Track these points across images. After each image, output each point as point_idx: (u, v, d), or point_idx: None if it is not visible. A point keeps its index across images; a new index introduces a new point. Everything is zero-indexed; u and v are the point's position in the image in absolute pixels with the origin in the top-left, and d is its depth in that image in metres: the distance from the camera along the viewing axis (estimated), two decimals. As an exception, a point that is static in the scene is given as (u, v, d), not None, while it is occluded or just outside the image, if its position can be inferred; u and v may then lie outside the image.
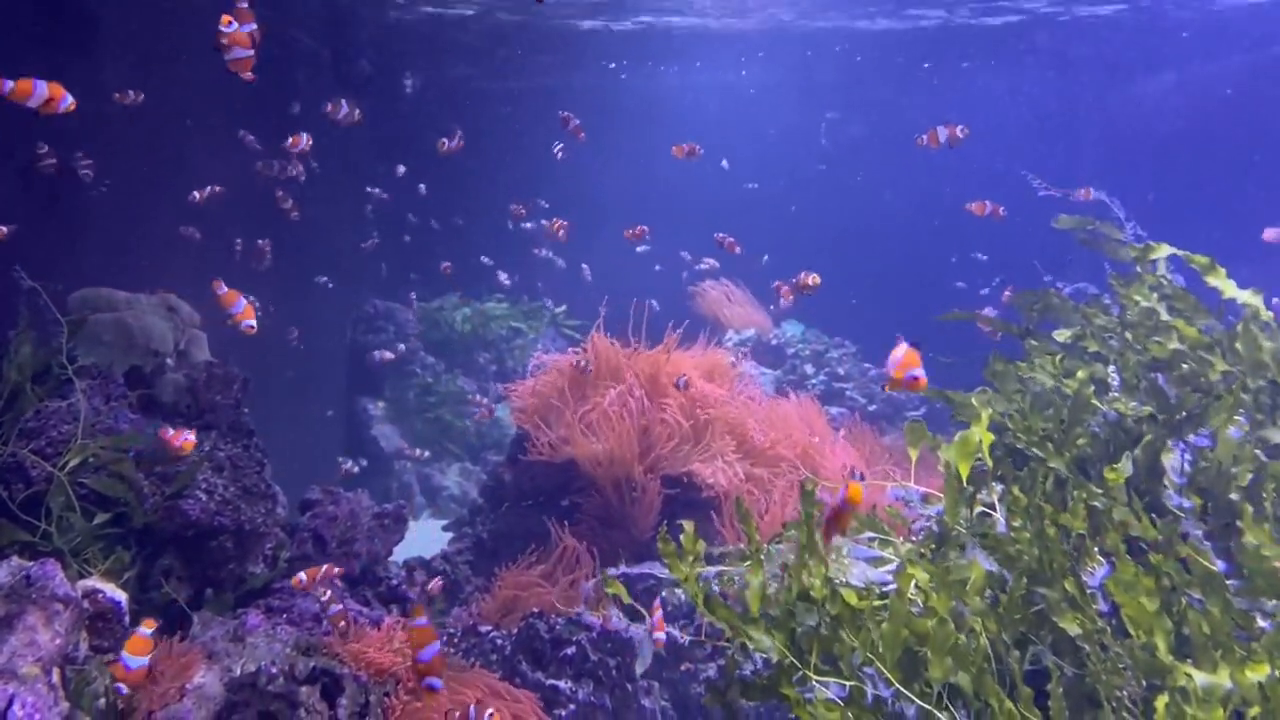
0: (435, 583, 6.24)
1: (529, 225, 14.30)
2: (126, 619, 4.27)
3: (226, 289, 5.02)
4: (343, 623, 4.63)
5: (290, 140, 7.77)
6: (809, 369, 13.00)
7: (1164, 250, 3.72)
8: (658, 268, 15.22)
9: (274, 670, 4.16)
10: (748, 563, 3.10)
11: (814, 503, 2.99)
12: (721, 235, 9.49)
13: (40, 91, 4.26)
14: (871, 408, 12.38)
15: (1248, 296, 3.50)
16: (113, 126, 7.53)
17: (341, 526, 5.58)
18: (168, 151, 9.26)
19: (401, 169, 12.67)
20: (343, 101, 7.81)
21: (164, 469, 5.01)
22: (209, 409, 5.28)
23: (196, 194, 5.65)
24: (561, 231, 10.50)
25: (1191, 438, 3.11)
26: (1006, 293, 5.19)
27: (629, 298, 7.82)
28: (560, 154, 9.93)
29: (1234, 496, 3.10)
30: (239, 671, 4.35)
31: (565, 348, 8.13)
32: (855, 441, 8.40)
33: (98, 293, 5.69)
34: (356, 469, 11.04)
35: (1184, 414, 3.10)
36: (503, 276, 14.08)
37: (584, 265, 14.52)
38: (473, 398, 12.93)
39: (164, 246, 7.88)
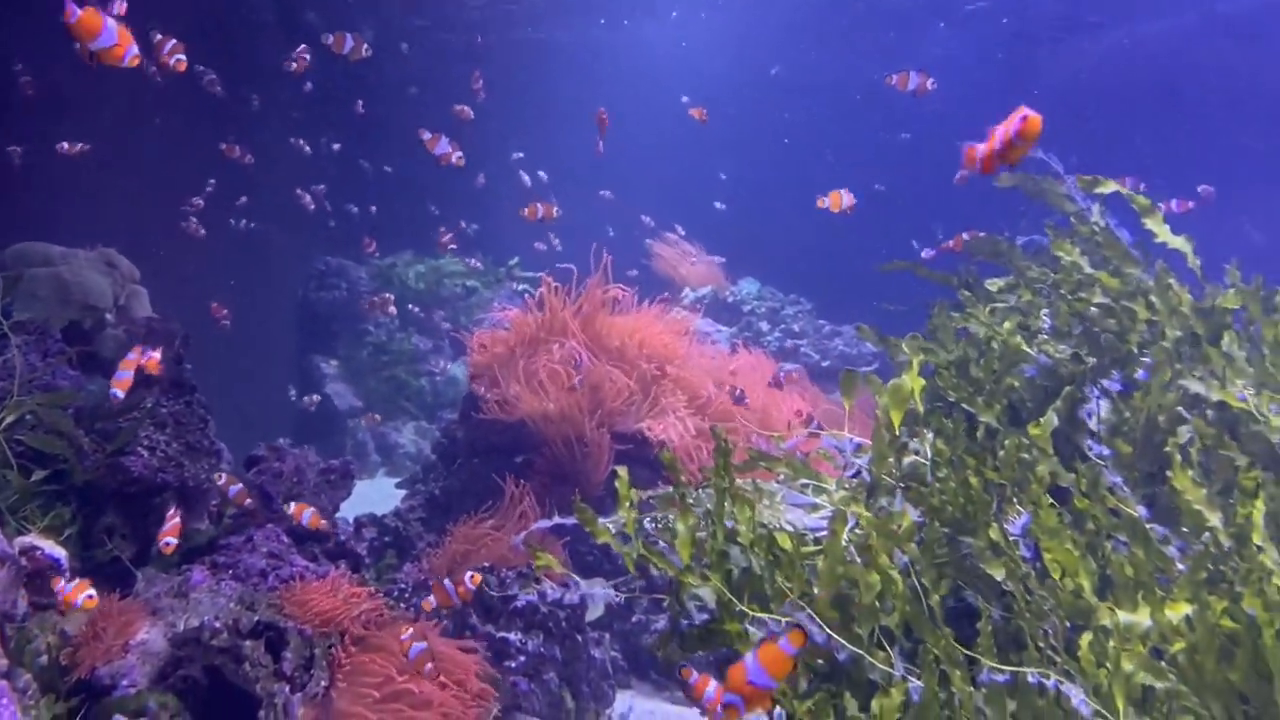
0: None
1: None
2: (67, 575, 4.23)
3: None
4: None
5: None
6: (764, 326, 13.09)
7: (1109, 186, 3.75)
8: (611, 232, 15.14)
9: (218, 625, 4.16)
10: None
11: (726, 450, 3.04)
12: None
13: (108, 36, 3.45)
14: (825, 363, 12.50)
15: (1180, 242, 3.57)
16: (52, 81, 7.34)
17: (287, 483, 5.55)
18: (109, 106, 9.04)
19: (360, 108, 12.39)
20: (347, 36, 7.60)
21: (105, 425, 4.95)
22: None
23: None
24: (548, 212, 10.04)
25: (1105, 383, 3.17)
26: (957, 240, 5.22)
27: (586, 255, 7.78)
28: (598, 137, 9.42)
29: (1160, 442, 3.17)
30: (183, 627, 4.34)
31: (520, 304, 8.08)
32: (804, 397, 8.50)
33: (32, 247, 5.56)
34: (315, 402, 11.00)
35: (1107, 362, 3.17)
36: (461, 229, 13.90)
37: (552, 236, 14.33)
38: (435, 365, 12.85)
39: (103, 201, 7.72)
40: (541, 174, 14.52)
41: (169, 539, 4.40)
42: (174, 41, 4.93)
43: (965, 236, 5.08)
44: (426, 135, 6.92)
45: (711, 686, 2.75)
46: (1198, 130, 20.25)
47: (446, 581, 4.69)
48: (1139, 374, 3.16)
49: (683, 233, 13.98)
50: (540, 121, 16.52)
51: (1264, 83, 19.57)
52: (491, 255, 14.61)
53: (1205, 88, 20.34)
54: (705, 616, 3.04)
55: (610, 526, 3.39)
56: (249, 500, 5.12)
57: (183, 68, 4.73)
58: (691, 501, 3.14)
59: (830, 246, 18.78)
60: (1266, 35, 18.96)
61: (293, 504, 5.05)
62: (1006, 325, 3.46)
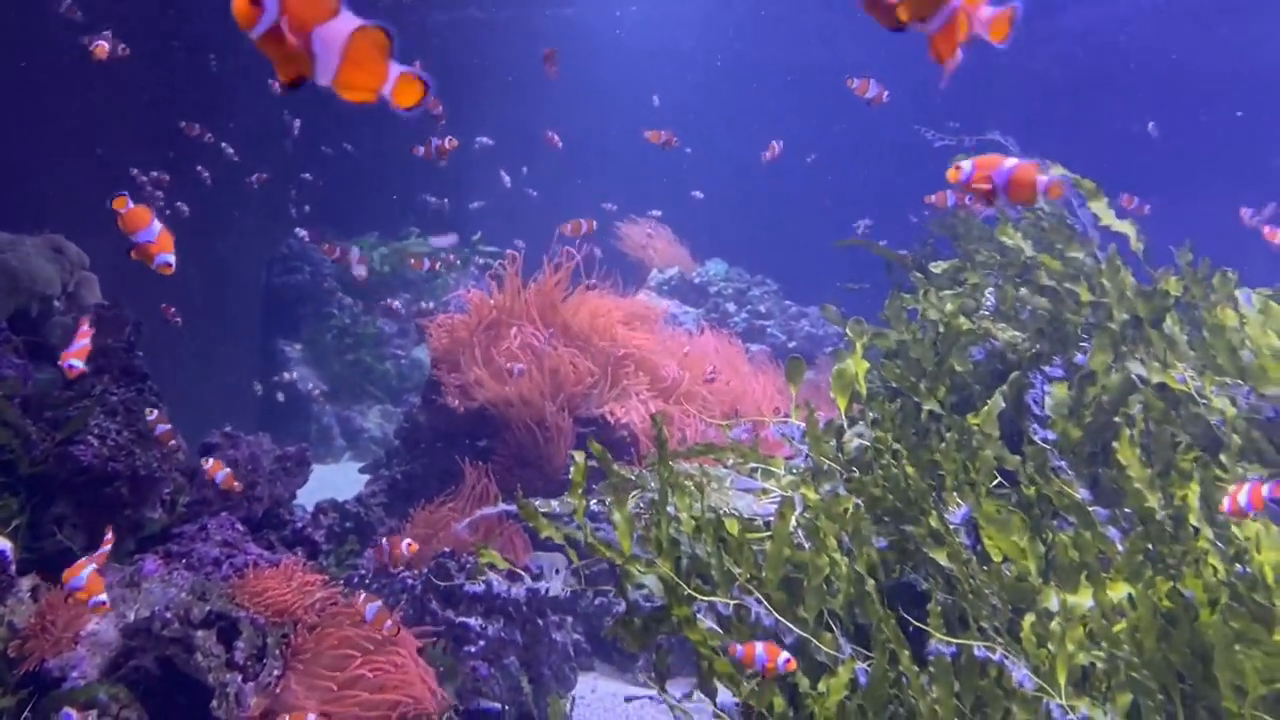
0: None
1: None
2: (12, 567, 4.17)
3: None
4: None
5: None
6: (731, 307, 13.09)
7: (1056, 170, 3.77)
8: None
9: (169, 615, 4.12)
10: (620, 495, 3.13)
11: (664, 439, 3.04)
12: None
13: (148, 234, 3.47)
14: (792, 344, 12.53)
15: (1124, 225, 3.60)
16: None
17: (242, 470, 5.50)
18: (59, 83, 8.85)
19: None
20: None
21: (54, 414, 4.88)
22: (100, 353, 5.12)
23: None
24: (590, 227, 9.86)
25: (1048, 369, 3.20)
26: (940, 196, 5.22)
27: (548, 238, 7.75)
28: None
29: (1103, 424, 3.20)
30: (134, 617, 4.30)
31: (484, 284, 8.04)
32: (773, 376, 8.51)
33: (-23, 233, 5.47)
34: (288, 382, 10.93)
35: (1048, 347, 3.19)
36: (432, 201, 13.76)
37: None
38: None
39: (51, 184, 7.57)
40: (523, 169, 14.47)
41: (72, 361, 4.10)
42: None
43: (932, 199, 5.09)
44: (420, 150, 6.85)
45: None
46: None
47: (384, 542, 4.70)
48: (1078, 358, 3.18)
49: (658, 214, 13.92)
50: (503, 101, 16.36)
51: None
52: (457, 233, 14.49)
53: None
54: (651, 604, 3.04)
55: (560, 509, 3.40)
56: (236, 484, 5.04)
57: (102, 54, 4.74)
58: (638, 487, 3.14)
59: (795, 226, 18.82)
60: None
61: (210, 459, 4.98)
62: (949, 308, 3.47)
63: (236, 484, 5.05)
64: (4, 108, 6.14)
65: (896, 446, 3.00)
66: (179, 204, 9.47)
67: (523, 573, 5.66)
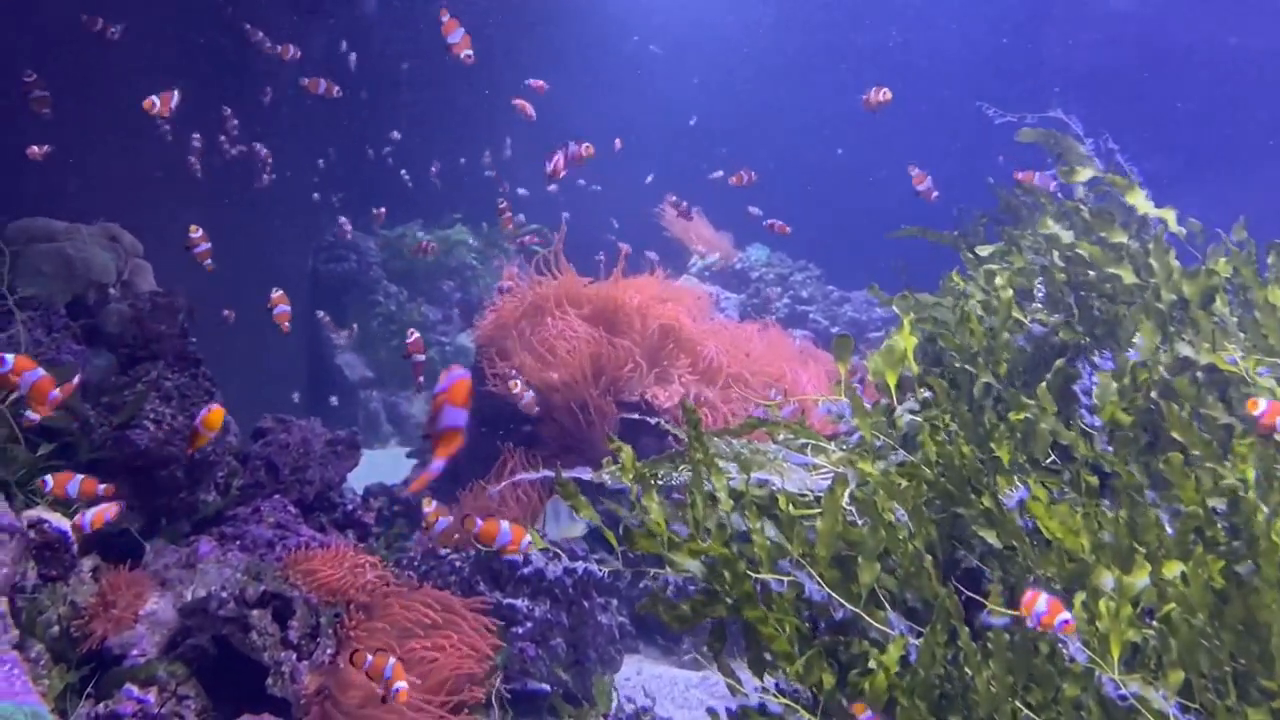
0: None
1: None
2: (74, 548, 4.28)
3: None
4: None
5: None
6: (773, 293, 13.04)
7: (1085, 174, 3.74)
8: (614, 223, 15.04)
9: (225, 595, 4.21)
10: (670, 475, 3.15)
11: (696, 418, 3.04)
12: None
13: None
14: (835, 329, 12.46)
15: (1164, 213, 3.56)
16: (58, 51, 7.31)
17: (294, 454, 5.59)
18: (111, 77, 9.00)
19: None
20: (321, 80, 8.39)
21: (111, 399, 4.99)
22: (154, 339, 5.23)
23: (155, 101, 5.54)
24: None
25: (1096, 359, 3.16)
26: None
27: (592, 222, 7.79)
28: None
29: (1151, 409, 3.17)
30: (191, 597, 4.39)
31: (529, 271, 8.09)
32: (818, 361, 8.46)
33: (35, 223, 5.58)
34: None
35: (1099, 331, 3.15)
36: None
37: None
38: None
39: (106, 175, 7.72)
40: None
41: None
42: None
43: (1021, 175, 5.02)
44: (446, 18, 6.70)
45: None
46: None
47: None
48: (1135, 342, 3.14)
49: (675, 199, 13.91)
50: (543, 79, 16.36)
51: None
52: (486, 220, 14.54)
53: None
54: (696, 585, 3.05)
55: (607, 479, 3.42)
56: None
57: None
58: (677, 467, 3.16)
59: (839, 211, 18.66)
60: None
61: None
62: (999, 281, 3.44)
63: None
64: (64, 101, 6.29)
65: (952, 425, 2.98)
66: (233, 193, 9.65)
67: (562, 553, 5.70)
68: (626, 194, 14.83)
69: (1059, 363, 3.21)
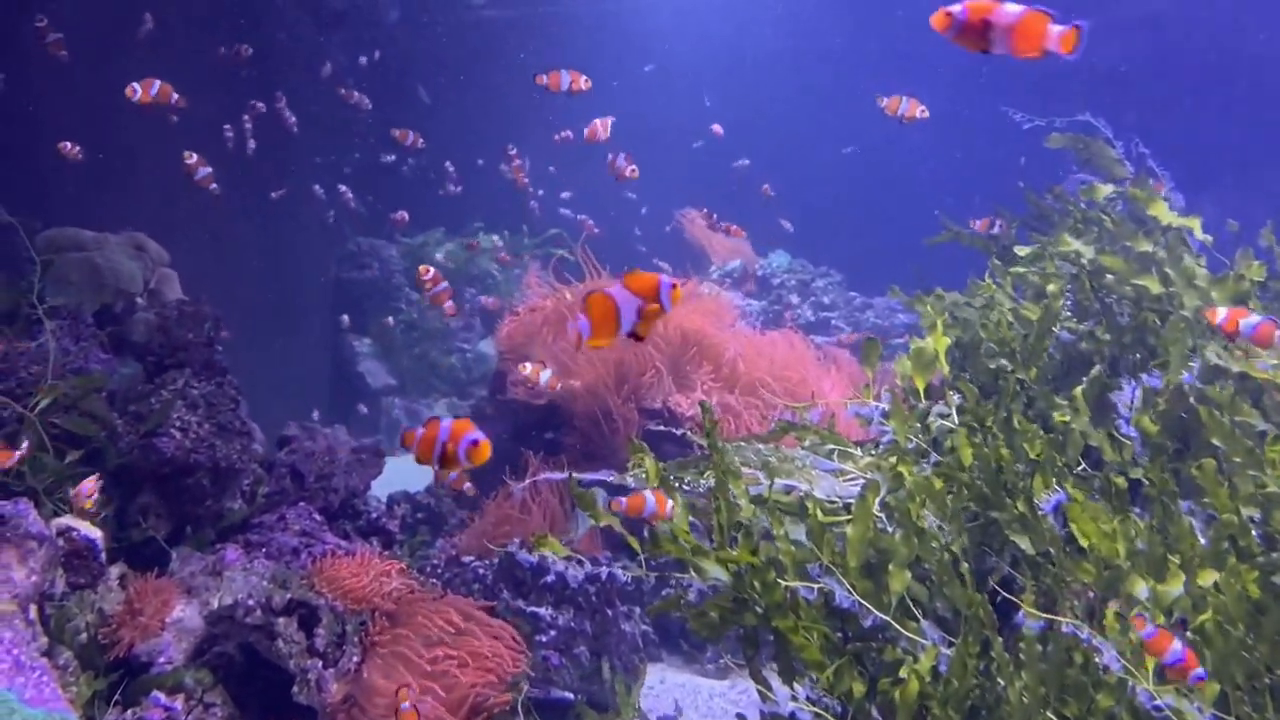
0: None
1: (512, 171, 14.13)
2: (102, 556, 4.31)
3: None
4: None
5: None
6: (794, 299, 13.00)
7: (1104, 190, 3.72)
8: (644, 210, 15.05)
9: (251, 603, 4.22)
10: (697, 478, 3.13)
11: (714, 420, 3.03)
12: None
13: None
14: (857, 336, 12.40)
15: (1188, 221, 3.53)
16: (79, 62, 7.40)
17: (319, 462, 5.61)
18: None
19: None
20: (355, 93, 9.15)
21: (138, 408, 5.02)
22: (181, 347, 5.26)
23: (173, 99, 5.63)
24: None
25: (1145, 377, 3.13)
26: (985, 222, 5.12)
27: (613, 231, 7.79)
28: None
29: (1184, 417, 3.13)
30: (217, 605, 4.41)
31: (551, 278, 8.10)
32: (840, 368, 8.42)
33: (64, 233, 5.64)
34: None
35: (1127, 339, 3.12)
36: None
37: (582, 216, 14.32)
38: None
39: (132, 185, 7.80)
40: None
41: None
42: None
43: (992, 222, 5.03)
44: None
45: None
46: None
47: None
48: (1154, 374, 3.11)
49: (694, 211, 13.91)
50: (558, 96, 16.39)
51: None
52: (508, 228, 14.60)
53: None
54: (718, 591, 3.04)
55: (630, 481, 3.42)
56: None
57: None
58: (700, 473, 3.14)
59: (861, 217, 18.59)
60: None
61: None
62: (1052, 288, 3.41)
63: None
64: (94, 115, 6.39)
65: (992, 427, 2.95)
66: (259, 202, 9.77)
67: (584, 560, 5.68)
68: (645, 201, 14.86)
69: (1095, 370, 3.18)
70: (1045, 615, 2.69)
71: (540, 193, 14.33)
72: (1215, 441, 2.90)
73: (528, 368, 6.52)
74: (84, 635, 4.16)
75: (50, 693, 3.63)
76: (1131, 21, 19.52)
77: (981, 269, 4.45)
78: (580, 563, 5.67)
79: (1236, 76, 19.95)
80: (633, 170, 6.29)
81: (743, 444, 3.48)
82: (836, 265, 13.86)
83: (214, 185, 5.87)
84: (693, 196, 13.70)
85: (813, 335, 11.30)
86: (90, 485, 4.28)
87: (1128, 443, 3.05)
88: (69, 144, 6.00)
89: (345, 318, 12.30)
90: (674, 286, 2.40)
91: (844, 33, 21.52)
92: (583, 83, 6.08)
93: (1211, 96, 20.43)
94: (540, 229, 14.76)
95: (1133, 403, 3.07)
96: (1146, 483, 3.02)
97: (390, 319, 12.57)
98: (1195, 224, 3.51)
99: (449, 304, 6.20)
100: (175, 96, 5.79)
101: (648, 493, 3.08)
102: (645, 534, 3.23)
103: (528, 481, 5.37)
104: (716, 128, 12.40)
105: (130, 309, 5.55)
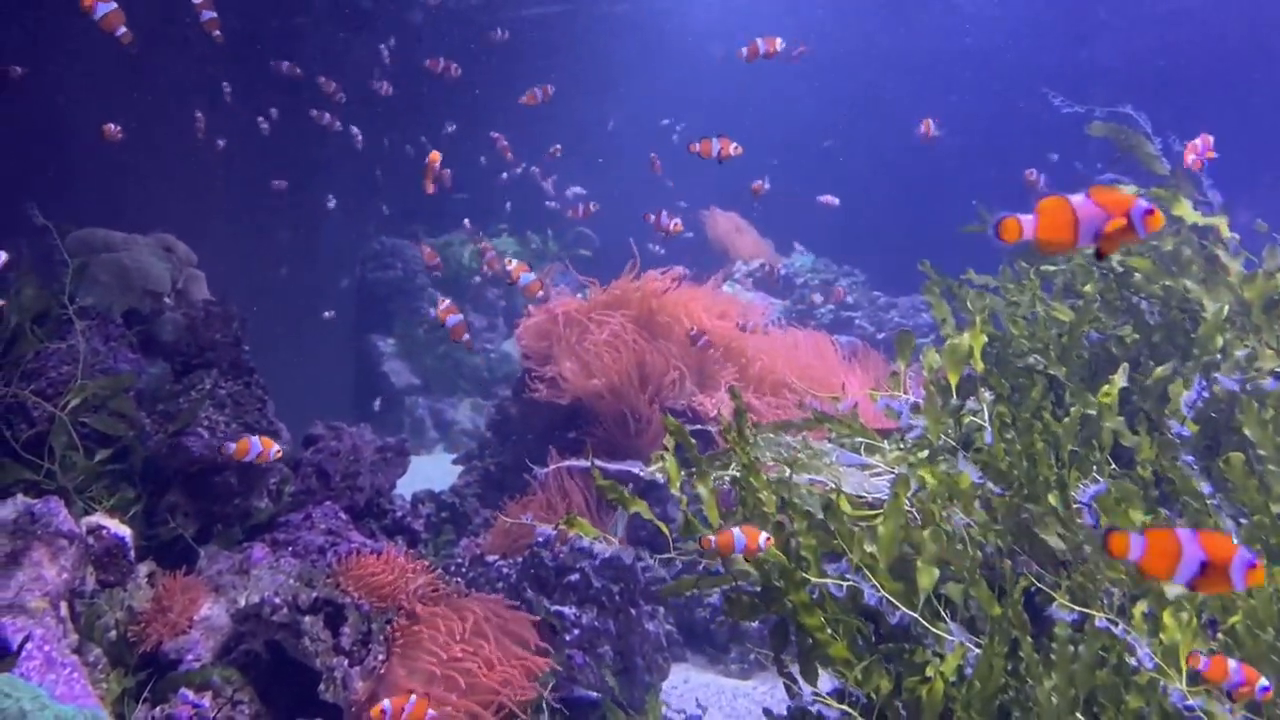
0: None
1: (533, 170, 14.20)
2: (131, 554, 4.35)
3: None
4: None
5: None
6: (818, 298, 12.96)
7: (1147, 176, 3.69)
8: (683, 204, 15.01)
9: (278, 601, 4.25)
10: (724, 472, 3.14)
11: (742, 413, 3.02)
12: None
13: None
14: (881, 335, 12.35)
15: (1214, 220, 3.49)
16: (110, 65, 7.48)
17: (344, 461, 5.64)
18: (167, 92, 9.17)
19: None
20: (384, 82, 9.28)
21: (166, 407, 5.07)
22: (208, 347, 5.31)
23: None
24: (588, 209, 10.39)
25: (1217, 375, 3.09)
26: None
27: (636, 234, 7.79)
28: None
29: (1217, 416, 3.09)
30: (244, 603, 4.44)
31: (573, 280, 8.10)
32: (865, 366, 8.38)
33: (94, 234, 5.70)
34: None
35: (1156, 339, 3.09)
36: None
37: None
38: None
39: (161, 186, 7.88)
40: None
41: None
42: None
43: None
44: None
45: None
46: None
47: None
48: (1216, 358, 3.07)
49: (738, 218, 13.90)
50: (580, 94, 16.40)
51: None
52: (530, 228, 14.65)
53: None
54: (753, 588, 3.03)
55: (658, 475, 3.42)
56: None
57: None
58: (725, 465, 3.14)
59: (884, 216, 18.49)
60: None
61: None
62: (1089, 288, 3.38)
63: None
64: (124, 122, 6.44)
65: (1026, 420, 2.92)
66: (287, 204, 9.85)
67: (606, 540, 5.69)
68: (662, 203, 14.79)
69: (1157, 370, 3.15)
70: (1079, 608, 2.67)
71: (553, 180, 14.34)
72: (1247, 433, 2.86)
73: (512, 263, 6.52)
74: (113, 632, 4.20)
75: (80, 689, 3.67)
76: (1168, 16, 19.36)
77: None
78: (608, 541, 5.69)
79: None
80: (736, 147, 6.36)
81: (770, 434, 3.47)
82: (860, 265, 13.83)
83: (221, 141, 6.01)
84: (721, 198, 13.70)
85: (837, 335, 11.27)
86: None
87: (1174, 441, 3.02)
88: (112, 125, 6.04)
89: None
90: (1152, 211, 2.22)
91: (890, 31, 21.41)
92: (732, 149, 6.25)
93: (1253, 93, 20.21)
94: (565, 229, 14.81)
95: (1196, 402, 3.03)
96: (1178, 481, 2.99)
97: (433, 312, 12.66)
98: (1222, 223, 3.47)
99: (466, 337, 6.29)
100: (122, 29, 5.66)
101: (736, 530, 2.99)
102: (681, 517, 3.22)
103: (551, 468, 5.38)
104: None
105: (159, 309, 5.60)
